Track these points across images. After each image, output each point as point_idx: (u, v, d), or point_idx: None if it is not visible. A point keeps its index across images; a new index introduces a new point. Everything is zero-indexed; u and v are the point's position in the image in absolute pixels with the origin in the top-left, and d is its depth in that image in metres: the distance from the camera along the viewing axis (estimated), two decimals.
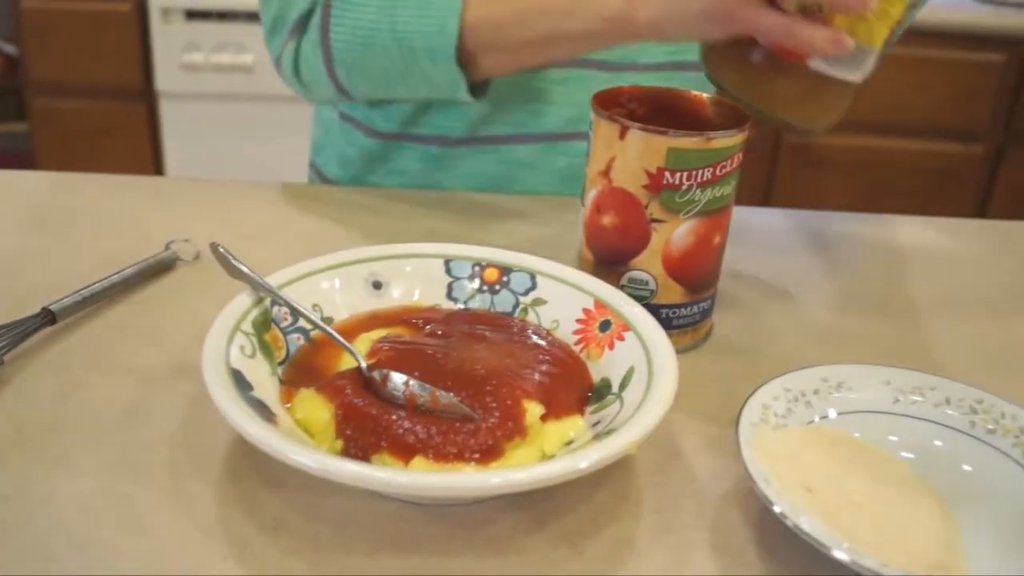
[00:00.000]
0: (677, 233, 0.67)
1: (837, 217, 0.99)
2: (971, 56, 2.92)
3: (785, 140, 2.56)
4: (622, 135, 0.66)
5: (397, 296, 0.67)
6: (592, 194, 0.70)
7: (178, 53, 2.34)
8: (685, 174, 0.65)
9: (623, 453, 0.50)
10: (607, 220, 0.69)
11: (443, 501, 0.54)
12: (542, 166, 1.00)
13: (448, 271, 0.69)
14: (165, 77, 2.37)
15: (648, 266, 0.69)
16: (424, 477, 0.49)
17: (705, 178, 0.66)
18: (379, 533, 0.52)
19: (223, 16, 2.33)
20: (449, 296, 0.69)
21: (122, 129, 2.45)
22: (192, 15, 2.32)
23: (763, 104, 0.71)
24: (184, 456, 0.57)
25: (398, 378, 0.56)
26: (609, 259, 0.70)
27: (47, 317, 0.67)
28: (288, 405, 0.56)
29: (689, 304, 0.71)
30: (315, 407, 0.55)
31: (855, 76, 0.70)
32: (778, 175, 2.62)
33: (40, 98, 2.44)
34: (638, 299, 0.69)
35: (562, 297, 0.67)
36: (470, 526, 0.53)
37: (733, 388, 0.64)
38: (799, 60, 0.68)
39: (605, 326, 0.64)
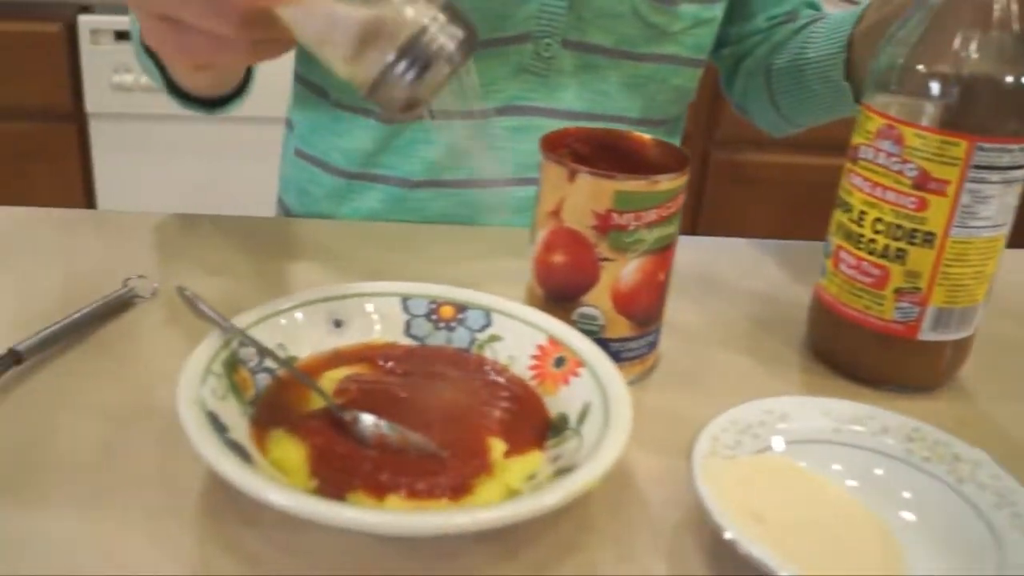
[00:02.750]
0: (625, 271, 0.71)
1: (770, 244, 1.03)
2: None
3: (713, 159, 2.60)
4: (571, 178, 0.69)
5: (357, 334, 0.70)
6: (542, 233, 0.73)
7: (108, 74, 2.33)
8: (632, 215, 0.69)
9: (588, 488, 0.53)
10: (558, 258, 0.72)
11: (416, 537, 0.56)
12: (502, 208, 1.03)
13: (406, 309, 0.72)
14: (95, 98, 2.36)
15: (598, 302, 0.72)
16: (396, 516, 0.52)
17: (651, 219, 0.69)
18: (354, 567, 0.55)
19: None
20: (407, 333, 0.71)
21: (49, 152, 2.43)
22: (122, 36, 2.31)
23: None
24: (160, 496, 0.59)
25: (368, 419, 0.58)
26: (559, 295, 0.73)
27: (14, 358, 0.68)
28: (260, 445, 0.58)
29: (637, 338, 0.74)
30: (289, 447, 0.58)
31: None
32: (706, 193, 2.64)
33: None
34: (588, 333, 0.72)
35: (516, 334, 0.70)
36: (443, 559, 0.56)
37: (678, 418, 0.68)
38: None
39: (560, 362, 0.67)
